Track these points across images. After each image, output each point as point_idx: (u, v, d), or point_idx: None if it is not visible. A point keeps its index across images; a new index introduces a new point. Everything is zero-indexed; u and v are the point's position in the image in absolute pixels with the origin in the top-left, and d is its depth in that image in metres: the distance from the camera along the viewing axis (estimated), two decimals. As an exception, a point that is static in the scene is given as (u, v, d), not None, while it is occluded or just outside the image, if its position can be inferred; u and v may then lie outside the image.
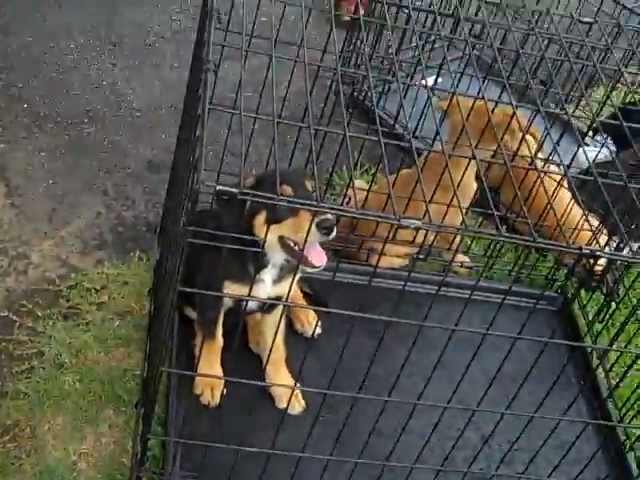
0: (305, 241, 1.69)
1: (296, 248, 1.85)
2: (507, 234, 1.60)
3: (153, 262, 2.51)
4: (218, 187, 1.44)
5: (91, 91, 3.28)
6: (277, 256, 1.95)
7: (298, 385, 1.97)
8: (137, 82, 3.39)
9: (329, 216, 1.77)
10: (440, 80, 2.96)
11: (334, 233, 1.80)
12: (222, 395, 2.09)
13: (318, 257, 1.87)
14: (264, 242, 1.76)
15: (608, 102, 2.79)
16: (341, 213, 1.86)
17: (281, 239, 1.87)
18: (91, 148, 3.01)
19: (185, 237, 1.53)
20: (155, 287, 2.34)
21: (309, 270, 1.90)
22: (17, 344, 2.30)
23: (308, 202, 1.54)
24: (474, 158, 1.77)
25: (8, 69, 3.30)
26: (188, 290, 1.64)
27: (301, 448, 1.86)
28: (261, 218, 1.84)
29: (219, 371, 2.10)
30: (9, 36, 3.47)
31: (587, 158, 2.03)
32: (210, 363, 2.09)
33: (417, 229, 1.52)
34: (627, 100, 2.89)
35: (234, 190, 1.45)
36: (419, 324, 1.70)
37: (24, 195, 2.77)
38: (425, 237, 2.36)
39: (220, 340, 2.10)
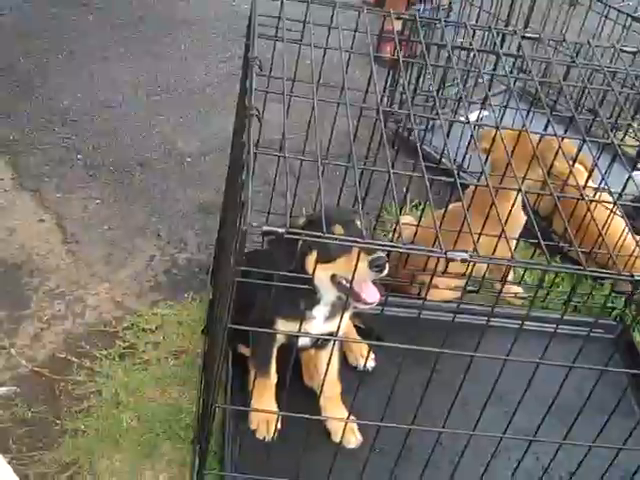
0: (352, 278, 1.70)
1: (348, 285, 1.86)
2: (556, 264, 1.60)
3: (206, 302, 2.55)
4: (265, 228, 1.49)
5: (141, 140, 3.37)
6: (329, 293, 1.97)
7: (352, 418, 1.97)
8: (185, 129, 3.47)
9: (381, 254, 1.79)
10: (486, 114, 2.98)
11: (386, 270, 1.82)
12: (277, 430, 2.10)
13: (371, 294, 1.88)
14: (313, 280, 1.79)
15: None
16: (389, 249, 1.89)
17: (333, 277, 1.90)
18: (143, 194, 3.09)
19: (235, 276, 1.57)
20: (208, 326, 2.37)
21: (362, 307, 1.92)
22: (76, 384, 2.35)
23: (356, 239, 1.57)
24: (520, 190, 1.77)
25: (62, 124, 3.41)
26: (238, 327, 1.67)
27: (356, 483, 1.86)
28: (312, 257, 1.86)
29: (273, 406, 2.11)
30: (61, 93, 3.59)
31: (636, 185, 2.02)
32: (264, 398, 2.10)
33: (464, 261, 1.53)
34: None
35: (280, 230, 1.49)
36: (470, 355, 1.70)
37: (80, 241, 2.85)
38: (473, 268, 2.36)
39: (274, 376, 2.12)
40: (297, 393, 2.15)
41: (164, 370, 2.40)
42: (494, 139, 2.33)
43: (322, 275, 1.89)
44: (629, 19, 3.10)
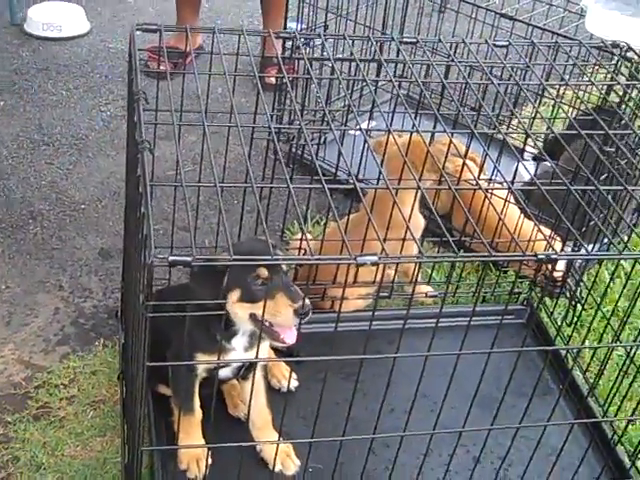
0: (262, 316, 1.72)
1: (268, 324, 1.85)
2: (464, 254, 1.63)
3: (119, 347, 2.48)
4: (171, 258, 1.46)
5: (32, 193, 3.28)
6: (246, 326, 1.95)
7: (281, 439, 1.95)
8: (76, 176, 3.40)
9: (307, 301, 1.80)
10: (375, 123, 3.02)
11: (310, 316, 1.81)
12: (208, 466, 2.05)
13: (290, 335, 1.88)
14: (231, 316, 1.80)
15: (538, 116, 2.87)
16: (299, 262, 1.89)
17: (252, 315, 1.87)
18: (40, 247, 3.00)
19: (146, 312, 1.53)
20: (124, 371, 2.31)
21: (278, 345, 1.90)
22: (-10, 454, 2.25)
23: (265, 258, 1.56)
24: (419, 188, 1.80)
25: (-54, 185, 3.28)
26: (157, 364, 1.64)
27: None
28: (235, 295, 1.84)
29: (201, 442, 2.06)
30: (-58, 154, 3.46)
31: (527, 170, 2.09)
32: (191, 436, 2.05)
33: (374, 264, 1.54)
34: (555, 113, 2.97)
35: (187, 259, 1.47)
36: (392, 356, 1.71)
37: (-23, 305, 2.74)
38: (383, 273, 2.37)
39: (198, 412, 2.07)
40: (224, 425, 2.13)
41: (83, 424, 2.31)
42: (386, 145, 2.37)
43: (241, 313, 1.88)
44: (497, 18, 3.20)
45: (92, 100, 3.93)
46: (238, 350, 2.00)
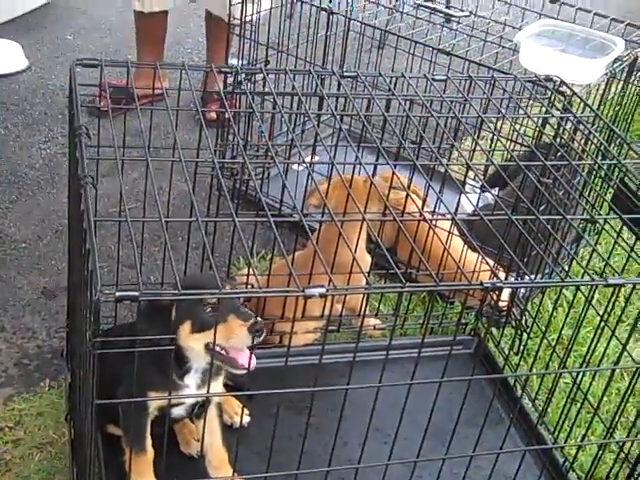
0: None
1: (223, 352, 1.86)
2: (411, 284, 1.66)
3: (65, 387, 2.44)
4: (118, 294, 1.45)
5: (-30, 233, 3.22)
6: (200, 361, 1.94)
7: (236, 475, 1.94)
8: (15, 215, 3.35)
9: (259, 318, 1.81)
10: (317, 158, 3.06)
11: (264, 334, 1.83)
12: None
13: (246, 358, 1.89)
14: (184, 350, 1.79)
15: (478, 149, 2.94)
16: (247, 295, 1.89)
17: (207, 346, 1.86)
18: (-20, 288, 2.94)
19: (93, 350, 1.52)
20: (71, 411, 2.27)
21: (238, 372, 1.91)
22: None
23: (212, 292, 1.56)
24: (364, 220, 1.82)
25: None
26: (106, 402, 1.62)
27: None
28: (186, 327, 1.84)
29: (153, 481, 2.04)
30: None
31: (470, 201, 2.13)
32: (143, 476, 2.02)
33: (322, 296, 1.55)
34: (493, 146, 3.05)
35: (135, 294, 1.46)
36: (343, 388, 1.72)
37: None
38: (332, 306, 2.39)
39: (150, 451, 2.04)
40: (176, 463, 2.10)
41: (30, 467, 2.27)
42: (328, 187, 2.40)
43: (195, 345, 1.87)
44: (434, 54, 3.28)
45: (31, 138, 3.88)
46: (191, 388, 1.98)
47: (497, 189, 2.96)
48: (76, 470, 2.10)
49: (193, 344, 1.87)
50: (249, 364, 1.89)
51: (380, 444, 2.02)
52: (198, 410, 2.07)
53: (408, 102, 2.76)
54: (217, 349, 1.86)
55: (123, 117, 2.27)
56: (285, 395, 1.71)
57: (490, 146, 3.17)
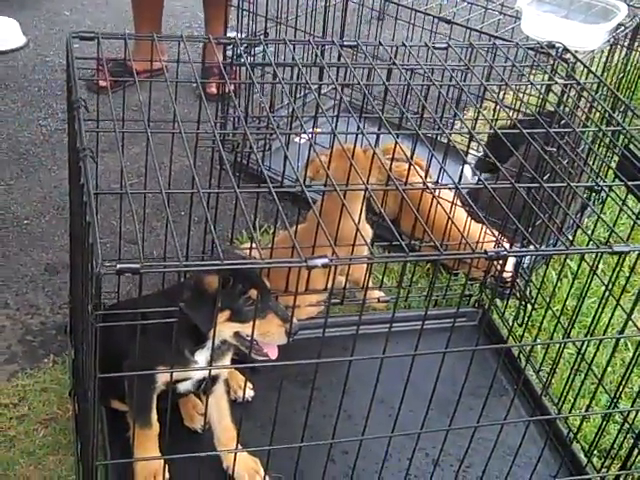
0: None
1: (253, 342, 1.87)
2: (415, 253, 1.64)
3: (69, 363, 2.43)
4: (119, 266, 1.44)
5: (-29, 209, 3.21)
6: (216, 342, 1.92)
7: (240, 447, 1.95)
8: (17, 192, 3.33)
9: (296, 320, 1.86)
10: (319, 130, 3.03)
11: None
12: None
13: (273, 350, 1.92)
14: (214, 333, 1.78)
15: (481, 118, 2.91)
16: (249, 266, 1.87)
17: (236, 333, 1.91)
18: (-17, 265, 2.93)
19: (95, 323, 1.50)
20: (75, 387, 2.27)
21: (260, 359, 1.93)
22: (-63, 481, 2.19)
23: (215, 262, 1.55)
24: (367, 190, 1.80)
25: None
26: (109, 375, 1.60)
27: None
28: (225, 315, 1.86)
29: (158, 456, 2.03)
30: None
31: (474, 171, 2.11)
32: (147, 450, 2.02)
33: (325, 266, 1.53)
34: (496, 116, 3.03)
35: (136, 266, 1.44)
36: (347, 359, 1.71)
37: None
38: (334, 279, 2.38)
39: (156, 425, 2.04)
40: (181, 438, 2.09)
41: (34, 442, 2.27)
42: (330, 157, 2.38)
43: (227, 331, 1.90)
44: (435, 23, 3.23)
45: (31, 114, 3.85)
46: (200, 364, 1.98)
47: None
48: (80, 446, 2.10)
49: (225, 330, 1.89)
50: (274, 355, 1.92)
51: (385, 417, 2.02)
52: (205, 386, 2.06)
53: (409, 72, 2.72)
54: (245, 337, 1.90)
55: (122, 92, 2.24)
56: (289, 368, 1.71)
57: (493, 116, 3.14)
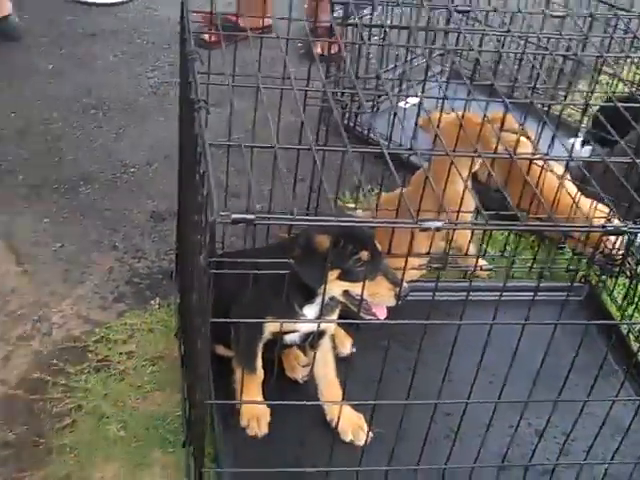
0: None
1: (362, 302, 1.89)
2: (528, 223, 1.61)
3: (174, 306, 2.51)
4: (234, 216, 1.45)
5: (82, 155, 3.30)
6: (326, 298, 1.92)
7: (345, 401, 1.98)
8: (126, 140, 3.41)
9: (405, 285, 1.87)
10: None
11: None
12: (268, 425, 2.08)
13: (382, 310, 1.95)
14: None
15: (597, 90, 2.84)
16: (360, 224, 1.88)
17: (346, 292, 1.94)
18: (92, 209, 3.02)
19: (209, 270, 1.52)
20: (182, 329, 2.33)
21: (368, 318, 1.95)
22: (54, 402, 2.28)
23: (326, 217, 1.57)
24: (478, 156, 1.78)
25: (-3, 144, 3.30)
26: (221, 320, 1.64)
27: (357, 464, 1.85)
28: (335, 273, 1.89)
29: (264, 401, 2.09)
30: (-9, 112, 3.47)
31: (589, 144, 2.06)
32: (252, 395, 2.07)
33: (438, 229, 1.52)
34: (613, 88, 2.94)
35: (250, 216, 1.45)
36: (457, 323, 1.70)
37: (34, 261, 2.76)
38: (434, 243, 2.37)
39: (260, 372, 2.10)
40: (283, 387, 2.13)
41: (143, 378, 2.35)
42: (439, 122, 2.35)
43: (336, 289, 1.93)
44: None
45: (139, 66, 3.93)
46: (309, 317, 2.02)
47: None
48: (187, 384, 2.17)
49: (334, 287, 1.91)
50: (383, 316, 1.94)
51: (485, 384, 1.99)
52: (312, 340, 2.09)
53: (523, 40, 2.67)
54: (355, 297, 1.92)
55: (233, 49, 2.26)
56: (393, 328, 1.71)
57: (608, 89, 3.06)
